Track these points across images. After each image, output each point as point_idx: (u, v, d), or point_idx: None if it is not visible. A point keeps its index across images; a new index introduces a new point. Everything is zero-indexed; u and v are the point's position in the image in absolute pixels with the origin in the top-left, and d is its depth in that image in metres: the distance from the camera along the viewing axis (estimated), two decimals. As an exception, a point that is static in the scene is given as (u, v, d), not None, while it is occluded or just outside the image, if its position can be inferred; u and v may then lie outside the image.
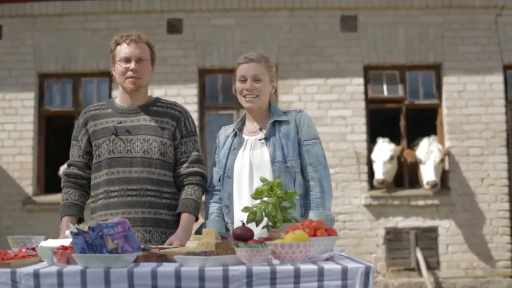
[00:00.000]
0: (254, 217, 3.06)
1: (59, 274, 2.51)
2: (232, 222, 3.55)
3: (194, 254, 2.66)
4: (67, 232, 2.99)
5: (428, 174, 8.89)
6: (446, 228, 8.99)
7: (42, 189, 9.35)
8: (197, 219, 3.58)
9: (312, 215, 3.38)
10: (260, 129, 3.62)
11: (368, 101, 9.29)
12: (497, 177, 9.01)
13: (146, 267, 2.57)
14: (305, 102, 9.08)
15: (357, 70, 9.22)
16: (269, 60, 3.67)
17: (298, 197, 3.30)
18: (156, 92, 9.05)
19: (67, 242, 2.98)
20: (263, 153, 3.54)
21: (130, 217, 3.44)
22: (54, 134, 10.12)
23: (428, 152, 8.93)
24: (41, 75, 9.33)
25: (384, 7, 9.25)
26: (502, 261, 8.91)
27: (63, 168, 3.85)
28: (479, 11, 9.21)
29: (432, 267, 8.93)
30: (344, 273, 2.54)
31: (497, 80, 9.13)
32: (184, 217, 3.51)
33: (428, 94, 9.41)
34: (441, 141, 9.21)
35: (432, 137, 9.09)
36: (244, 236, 2.95)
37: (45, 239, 3.16)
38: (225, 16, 9.29)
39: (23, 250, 2.94)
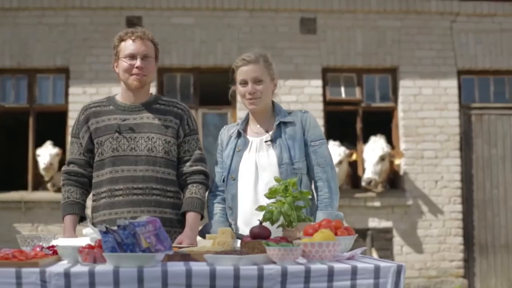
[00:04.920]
0: (270, 216, 3.05)
1: (91, 274, 2.45)
2: (236, 224, 3.54)
3: (225, 253, 2.63)
4: (85, 231, 2.93)
5: (366, 171, 9.05)
6: (401, 229, 9.15)
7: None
8: (202, 218, 3.56)
9: (322, 215, 3.38)
10: (266, 131, 3.60)
11: (326, 103, 9.37)
12: (451, 180, 9.23)
13: (179, 266, 2.54)
14: (264, 103, 9.07)
15: (316, 72, 9.29)
16: (267, 58, 3.64)
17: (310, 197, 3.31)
18: (114, 90, 8.91)
19: (81, 241, 2.92)
20: (270, 155, 3.53)
21: (135, 216, 3.38)
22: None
23: (370, 151, 9.08)
24: (-5, 70, 9.09)
25: (342, 10, 9.36)
26: (455, 262, 9.13)
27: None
28: (435, 17, 9.41)
29: (387, 267, 9.05)
30: (377, 272, 2.57)
31: (451, 84, 9.34)
32: (191, 216, 3.48)
33: (384, 97, 9.56)
34: (397, 144, 9.38)
35: (379, 136, 9.22)
36: (262, 235, 2.94)
37: (55, 238, 3.08)
38: (185, 15, 9.23)
39: (37, 249, 2.85)
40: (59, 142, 9.18)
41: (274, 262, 2.62)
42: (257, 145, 3.57)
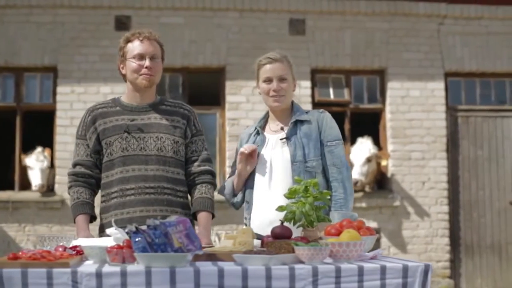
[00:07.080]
0: (292, 216, 3.06)
1: (123, 274, 2.43)
2: (250, 218, 3.57)
3: (254, 253, 2.64)
4: (109, 231, 2.91)
5: (353, 172, 9.10)
6: (388, 230, 9.20)
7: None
8: (213, 217, 3.58)
9: (336, 215, 3.40)
10: (282, 128, 3.63)
11: (315, 104, 9.40)
12: (438, 181, 9.31)
13: (210, 266, 2.53)
14: (253, 103, 9.10)
15: (305, 73, 9.30)
16: (289, 58, 3.72)
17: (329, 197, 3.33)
18: (102, 89, 8.90)
19: (102, 241, 2.90)
20: (283, 153, 3.57)
21: (148, 215, 3.37)
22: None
23: (357, 152, 9.14)
24: (-18, 68, 8.98)
25: (331, 12, 9.39)
26: (442, 262, 9.21)
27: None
28: (423, 19, 9.49)
29: (375, 267, 9.11)
30: (405, 271, 2.59)
31: (438, 86, 9.42)
32: (204, 215, 3.51)
33: (372, 99, 9.61)
34: (384, 145, 9.44)
35: (366, 138, 9.28)
36: (284, 235, 2.94)
37: (75, 238, 3.06)
38: (174, 15, 9.20)
39: (60, 249, 2.83)
40: (46, 142, 9.10)
41: (302, 262, 2.63)
42: (273, 143, 3.62)
